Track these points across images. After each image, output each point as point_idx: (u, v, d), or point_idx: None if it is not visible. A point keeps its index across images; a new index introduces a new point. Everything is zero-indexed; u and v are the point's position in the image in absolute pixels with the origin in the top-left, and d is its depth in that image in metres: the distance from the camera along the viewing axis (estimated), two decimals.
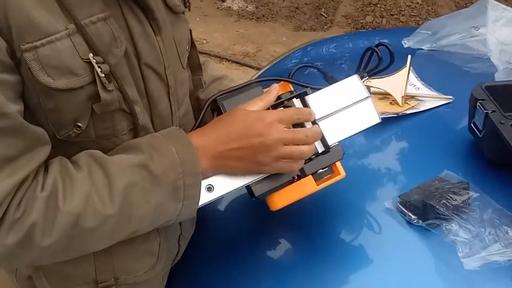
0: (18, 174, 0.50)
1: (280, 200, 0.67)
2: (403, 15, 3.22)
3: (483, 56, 1.14)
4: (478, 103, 0.82)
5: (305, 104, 0.68)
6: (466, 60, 1.18)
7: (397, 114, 0.98)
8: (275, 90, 0.67)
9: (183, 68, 0.70)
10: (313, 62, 1.40)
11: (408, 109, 1.00)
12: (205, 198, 0.62)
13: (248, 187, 0.65)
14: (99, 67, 0.53)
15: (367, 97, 0.69)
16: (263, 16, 3.37)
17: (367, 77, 0.74)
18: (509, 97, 0.85)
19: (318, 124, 0.67)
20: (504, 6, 1.03)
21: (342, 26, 3.25)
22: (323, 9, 3.43)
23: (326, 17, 3.37)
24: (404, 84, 1.01)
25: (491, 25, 1.01)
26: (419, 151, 0.92)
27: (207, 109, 0.68)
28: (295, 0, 3.50)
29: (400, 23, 3.16)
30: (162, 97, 0.64)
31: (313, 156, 0.67)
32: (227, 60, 2.93)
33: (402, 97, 1.00)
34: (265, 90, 0.74)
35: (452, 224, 0.71)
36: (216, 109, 0.68)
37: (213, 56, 2.94)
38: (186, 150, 0.59)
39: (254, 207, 0.84)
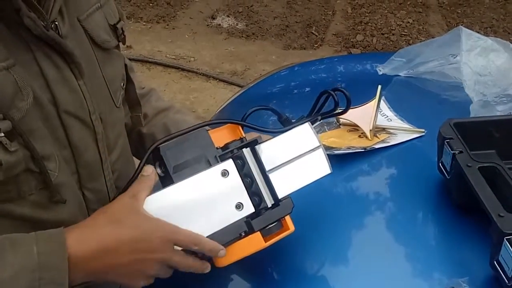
0: None
1: (226, 257, 0.61)
2: (393, 34, 3.19)
3: (461, 84, 1.08)
4: (445, 142, 0.76)
5: (255, 155, 0.63)
6: (443, 88, 1.13)
7: (364, 149, 0.92)
8: (153, 174, 0.59)
9: (117, 107, 0.65)
10: (294, 86, 1.36)
11: (377, 143, 0.94)
12: None
13: None
14: None
15: (318, 147, 0.66)
16: (253, 34, 3.34)
17: (320, 121, 0.70)
18: (479, 134, 0.79)
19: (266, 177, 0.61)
20: (479, 35, 0.98)
21: (333, 45, 3.21)
22: (314, 28, 3.40)
23: (316, 36, 3.33)
24: (372, 117, 0.95)
25: (466, 54, 0.96)
26: (385, 191, 0.86)
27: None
28: (286, 18, 3.47)
29: (391, 42, 3.13)
30: (88, 145, 0.59)
31: (263, 211, 0.62)
32: (214, 78, 2.89)
33: (371, 130, 0.94)
34: (214, 130, 0.68)
35: None
36: (158, 158, 0.61)
37: (199, 74, 2.90)
38: (54, 254, 0.48)
39: None
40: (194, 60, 3.05)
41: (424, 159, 0.90)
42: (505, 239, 0.59)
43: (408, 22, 3.30)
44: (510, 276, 0.60)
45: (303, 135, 0.66)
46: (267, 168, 0.63)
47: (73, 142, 0.56)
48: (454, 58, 1.12)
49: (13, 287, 0.46)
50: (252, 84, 1.38)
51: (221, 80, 2.88)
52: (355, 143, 0.94)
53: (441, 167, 0.79)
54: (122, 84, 0.66)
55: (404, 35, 3.19)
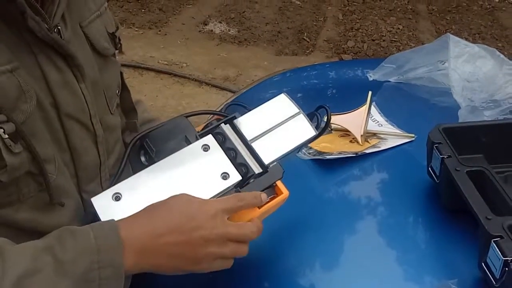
0: None
1: None
2: (384, 40, 3.23)
3: (449, 90, 1.10)
4: (434, 147, 0.77)
5: (235, 129, 0.64)
6: (432, 94, 1.15)
7: (356, 153, 0.93)
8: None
9: (111, 113, 0.66)
10: (286, 91, 1.38)
11: (368, 148, 0.96)
12: None
13: None
14: (1, 127, 0.47)
15: (298, 113, 0.67)
16: (245, 40, 3.36)
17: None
18: (467, 139, 0.81)
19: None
20: (466, 42, 1.00)
21: (324, 51, 3.24)
22: (305, 34, 3.43)
23: (308, 42, 3.36)
24: (363, 122, 0.97)
25: (453, 61, 0.98)
26: (376, 195, 0.88)
27: (131, 152, 0.62)
28: (278, 24, 3.50)
29: (381, 48, 3.16)
30: (88, 148, 0.59)
31: (252, 179, 0.62)
32: (207, 84, 2.90)
33: (362, 135, 0.96)
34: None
35: None
36: (142, 147, 0.63)
37: (192, 80, 2.91)
38: (109, 237, 0.50)
39: None
40: (187, 66, 3.06)
41: (414, 163, 0.92)
42: (492, 241, 0.61)
43: (398, 28, 3.34)
44: (497, 278, 0.61)
45: (280, 105, 0.66)
46: (248, 138, 0.63)
47: (73, 145, 0.57)
48: (443, 64, 1.14)
49: (73, 270, 0.47)
50: (244, 90, 1.40)
51: (213, 86, 2.89)
52: (347, 148, 0.95)
53: (431, 171, 0.80)
54: (117, 91, 0.68)
55: (395, 41, 3.23)
